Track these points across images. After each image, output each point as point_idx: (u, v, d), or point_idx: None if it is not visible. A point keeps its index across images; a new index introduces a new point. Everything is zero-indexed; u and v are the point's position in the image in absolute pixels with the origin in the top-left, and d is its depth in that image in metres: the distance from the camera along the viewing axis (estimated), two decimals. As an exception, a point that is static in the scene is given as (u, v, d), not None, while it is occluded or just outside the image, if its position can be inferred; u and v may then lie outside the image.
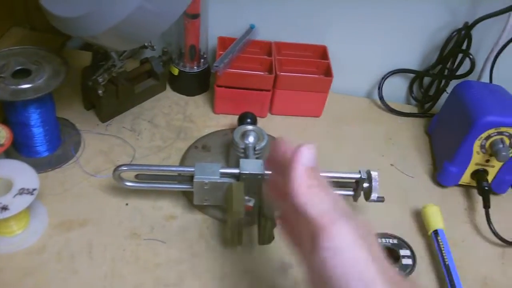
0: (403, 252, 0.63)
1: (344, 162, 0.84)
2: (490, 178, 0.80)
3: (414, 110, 1.00)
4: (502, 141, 0.76)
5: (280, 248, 0.70)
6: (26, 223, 0.67)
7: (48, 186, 0.73)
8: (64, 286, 0.63)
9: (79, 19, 0.58)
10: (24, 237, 0.67)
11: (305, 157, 0.47)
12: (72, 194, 0.73)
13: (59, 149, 0.78)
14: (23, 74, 0.70)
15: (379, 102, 0.99)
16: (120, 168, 0.68)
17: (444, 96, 0.93)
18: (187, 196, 0.74)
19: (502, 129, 0.75)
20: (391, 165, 0.86)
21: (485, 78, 0.91)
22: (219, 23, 0.92)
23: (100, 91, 0.78)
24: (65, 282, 0.63)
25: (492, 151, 0.77)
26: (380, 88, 0.98)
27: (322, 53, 0.94)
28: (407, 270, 0.61)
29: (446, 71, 0.93)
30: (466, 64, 0.91)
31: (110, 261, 0.66)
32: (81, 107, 0.86)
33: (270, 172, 0.56)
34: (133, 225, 0.71)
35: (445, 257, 0.69)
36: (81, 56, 0.91)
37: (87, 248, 0.67)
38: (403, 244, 0.64)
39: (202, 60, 0.92)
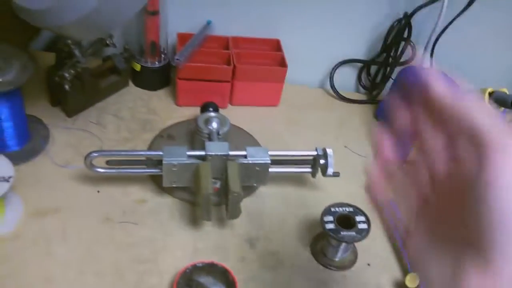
0: (359, 218, 0.69)
1: (302, 146, 0.90)
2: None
3: (364, 97, 1.07)
4: (442, 117, 0.83)
5: (247, 223, 0.75)
6: (1, 212, 0.70)
7: (21, 178, 0.75)
8: (41, 268, 0.65)
9: (47, 10, 0.62)
10: (-1, 226, 0.69)
11: None
12: (45, 185, 0.76)
13: (29, 143, 0.81)
14: (-9, 70, 0.73)
15: (331, 91, 1.05)
16: (91, 155, 0.71)
17: (390, 83, 1.01)
18: (156, 181, 0.78)
19: (442, 106, 0.83)
20: (345, 146, 0.93)
21: (426, 63, 0.99)
22: (178, 20, 0.97)
23: (66, 86, 0.81)
24: (42, 265, 0.66)
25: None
26: (331, 78, 1.04)
27: (276, 46, 1.00)
28: (363, 234, 0.67)
29: (390, 59, 1.00)
30: (409, 51, 0.99)
31: (85, 243, 0.69)
32: (48, 104, 0.89)
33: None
34: (106, 210, 0.74)
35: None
36: (45, 57, 0.94)
37: (62, 233, 0.70)
38: (358, 211, 0.70)
39: (162, 56, 0.96)
